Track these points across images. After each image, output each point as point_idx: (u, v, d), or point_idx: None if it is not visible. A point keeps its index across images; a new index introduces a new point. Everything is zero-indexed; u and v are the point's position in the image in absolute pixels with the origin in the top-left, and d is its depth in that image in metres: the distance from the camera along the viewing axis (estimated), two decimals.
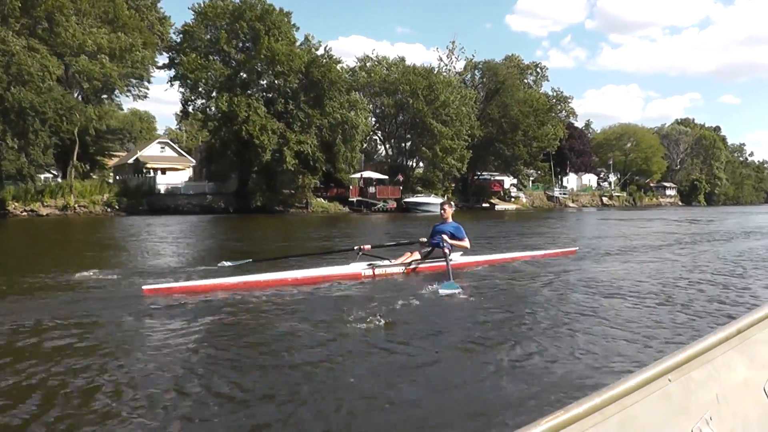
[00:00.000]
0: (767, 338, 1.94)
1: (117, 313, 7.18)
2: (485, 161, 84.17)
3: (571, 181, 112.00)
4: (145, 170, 69.82)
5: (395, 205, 62.35)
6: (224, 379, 4.78)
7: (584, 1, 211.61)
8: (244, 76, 55.80)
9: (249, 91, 55.47)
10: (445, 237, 10.69)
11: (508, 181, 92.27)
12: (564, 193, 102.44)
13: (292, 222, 41.36)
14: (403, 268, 10.52)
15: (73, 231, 31.95)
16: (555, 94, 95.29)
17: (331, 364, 5.20)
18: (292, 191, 58.56)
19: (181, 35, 56.91)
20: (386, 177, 69.53)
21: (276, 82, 55.71)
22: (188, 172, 72.01)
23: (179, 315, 7.13)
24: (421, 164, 75.64)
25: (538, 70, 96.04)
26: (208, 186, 60.21)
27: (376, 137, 77.11)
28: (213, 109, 54.22)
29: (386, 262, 10.56)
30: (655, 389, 1.59)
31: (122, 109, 70.49)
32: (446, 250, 10.37)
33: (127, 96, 56.33)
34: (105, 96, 56.43)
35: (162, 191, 60.30)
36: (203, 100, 56.48)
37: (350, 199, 63.84)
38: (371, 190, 65.54)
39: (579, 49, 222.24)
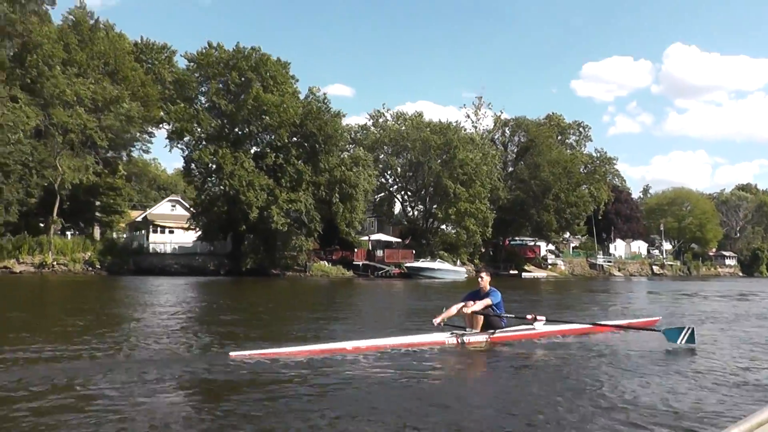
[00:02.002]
0: None
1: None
2: (519, 225, 78.52)
3: (618, 248, 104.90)
4: (152, 229, 67.41)
5: (400, 271, 56.92)
6: None
7: (649, 65, 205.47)
8: (234, 128, 52.23)
9: (237, 144, 51.53)
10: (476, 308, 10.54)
11: (546, 247, 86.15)
12: (609, 261, 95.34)
13: (276, 288, 36.97)
14: (486, 336, 10.39)
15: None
16: (599, 155, 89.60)
17: None
18: (294, 253, 54.12)
19: (172, 85, 53.85)
20: (399, 240, 64.71)
21: (265, 134, 51.84)
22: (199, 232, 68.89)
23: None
24: (444, 227, 70.30)
25: (581, 129, 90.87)
26: (200, 246, 56.44)
27: (397, 198, 72.41)
28: (197, 162, 50.45)
29: (467, 331, 10.49)
30: None
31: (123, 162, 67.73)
32: (529, 318, 10.81)
33: (104, 149, 52.92)
34: (89, 149, 53.47)
35: (154, 251, 57.25)
36: (189, 152, 52.87)
37: (355, 263, 59.05)
38: (379, 253, 60.66)
39: (645, 114, 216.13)
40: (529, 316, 10.82)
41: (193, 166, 51.78)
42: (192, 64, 53.43)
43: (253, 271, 51.91)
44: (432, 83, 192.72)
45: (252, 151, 52.49)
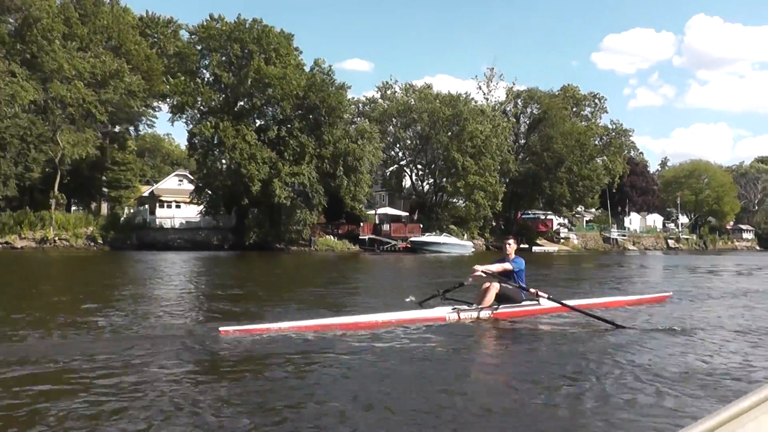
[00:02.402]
0: None
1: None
2: (531, 198, 77.25)
3: (633, 221, 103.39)
4: (158, 204, 67.08)
5: (406, 245, 56.01)
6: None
7: (672, 37, 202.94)
8: (236, 101, 51.32)
9: (239, 117, 50.59)
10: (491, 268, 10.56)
11: (558, 220, 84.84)
12: (623, 235, 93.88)
13: (276, 263, 36.46)
14: (489, 312, 10.21)
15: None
16: (614, 126, 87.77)
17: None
18: (298, 227, 53.39)
19: (174, 58, 52.95)
20: (407, 214, 63.80)
21: (268, 107, 50.89)
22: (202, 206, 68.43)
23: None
24: (453, 200, 69.09)
25: (596, 101, 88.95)
26: (204, 221, 55.88)
27: (406, 171, 71.30)
28: (199, 136, 49.64)
29: (469, 306, 10.33)
30: None
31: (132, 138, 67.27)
32: (533, 293, 10.57)
33: (103, 122, 52.19)
34: (96, 123, 52.87)
35: (160, 225, 56.84)
36: (192, 126, 52.07)
37: (361, 237, 58.27)
38: (386, 227, 59.79)
39: (667, 86, 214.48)
40: (531, 290, 10.58)
41: (195, 139, 50.93)
42: (194, 36, 52.49)
43: (257, 245, 51.33)
44: (451, 57, 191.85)
45: (255, 125, 51.47)
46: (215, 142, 48.68)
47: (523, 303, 10.59)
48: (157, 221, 58.44)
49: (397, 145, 68.40)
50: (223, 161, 47.80)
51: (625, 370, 6.59)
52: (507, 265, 10.59)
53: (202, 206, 54.37)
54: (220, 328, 8.34)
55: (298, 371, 6.50)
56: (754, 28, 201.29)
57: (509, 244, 11.03)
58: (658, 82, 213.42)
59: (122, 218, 56.12)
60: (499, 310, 10.25)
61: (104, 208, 66.91)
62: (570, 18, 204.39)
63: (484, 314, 10.12)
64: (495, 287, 10.33)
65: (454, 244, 56.49)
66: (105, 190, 64.58)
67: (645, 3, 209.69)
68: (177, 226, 57.47)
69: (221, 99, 51.28)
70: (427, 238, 56.29)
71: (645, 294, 14.60)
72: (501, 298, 10.38)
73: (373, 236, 58.63)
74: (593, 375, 6.43)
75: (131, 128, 66.37)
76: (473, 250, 58.66)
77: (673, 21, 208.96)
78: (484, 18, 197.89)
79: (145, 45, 59.43)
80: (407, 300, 10.80)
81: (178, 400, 5.32)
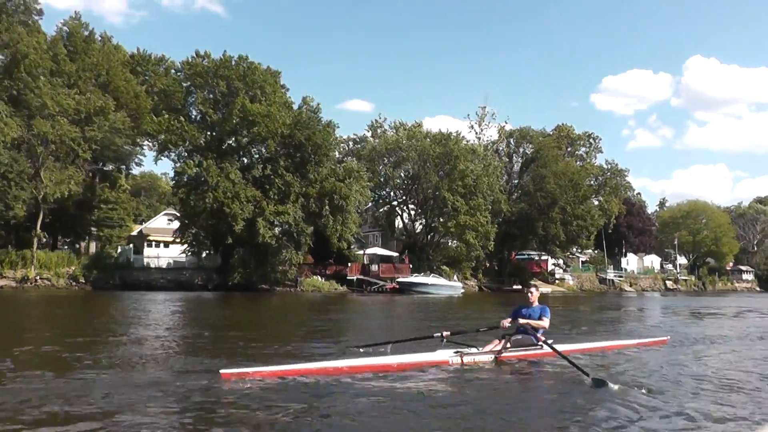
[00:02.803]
0: None
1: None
2: (525, 239, 76.23)
3: (631, 262, 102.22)
4: (146, 243, 66.45)
5: (393, 286, 54.93)
6: None
7: (669, 78, 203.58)
8: (220, 139, 50.77)
9: (224, 156, 49.96)
10: (531, 323, 10.58)
11: (552, 261, 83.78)
12: (620, 276, 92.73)
13: (263, 303, 35.85)
14: (492, 356, 10.15)
15: None
16: (610, 166, 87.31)
17: None
18: (284, 268, 52.46)
19: (158, 96, 52.57)
20: (396, 254, 62.88)
21: (253, 145, 50.31)
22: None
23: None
24: (444, 240, 68.18)
25: (591, 140, 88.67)
26: (189, 260, 55.01)
27: (397, 211, 70.45)
28: (182, 174, 48.97)
29: (474, 350, 10.28)
30: None
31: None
32: (541, 339, 10.35)
33: (87, 159, 51.59)
34: (79, 161, 52.34)
35: (148, 265, 55.98)
36: (176, 165, 51.49)
37: (349, 278, 57.27)
38: (374, 268, 58.81)
39: (665, 127, 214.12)
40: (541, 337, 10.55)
41: (178, 178, 50.26)
42: (179, 73, 52.15)
43: (241, 285, 50.33)
44: (451, 97, 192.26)
45: (240, 163, 50.77)
46: (199, 180, 47.87)
47: (526, 346, 10.63)
48: (145, 261, 57.56)
49: (388, 185, 67.58)
50: (207, 200, 46.86)
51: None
52: (544, 323, 10.79)
53: (185, 245, 53.40)
54: (221, 371, 8.25)
55: (300, 415, 6.56)
56: (750, 70, 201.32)
57: (532, 292, 11.17)
58: (657, 123, 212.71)
59: (113, 257, 55.21)
60: (502, 354, 10.27)
61: (93, 247, 66.21)
62: (569, 59, 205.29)
63: (487, 357, 10.15)
64: (509, 341, 10.55)
65: (443, 285, 55.44)
66: (93, 229, 63.97)
67: (642, 44, 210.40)
68: (164, 266, 56.56)
69: (206, 137, 50.67)
70: (416, 279, 55.24)
71: (644, 338, 14.68)
72: (513, 346, 10.54)
73: (362, 277, 57.62)
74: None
75: (123, 167, 65.87)
76: (463, 291, 57.59)
77: (670, 62, 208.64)
78: (484, 59, 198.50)
79: (135, 82, 59.23)
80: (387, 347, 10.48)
81: None
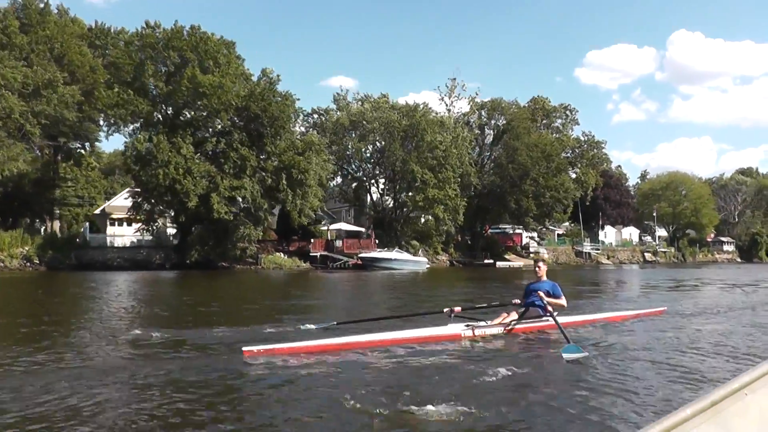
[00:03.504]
0: (742, 410, 2.01)
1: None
2: (497, 212, 74.97)
3: (609, 235, 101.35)
4: (109, 222, 64.77)
5: (356, 262, 53.54)
6: None
7: (654, 52, 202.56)
8: (171, 112, 49.08)
9: (176, 130, 48.18)
10: (541, 294, 10.54)
11: (527, 235, 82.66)
12: (597, 249, 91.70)
13: (216, 283, 33.76)
14: (502, 328, 10.29)
15: None
16: (586, 138, 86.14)
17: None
18: (245, 245, 51.09)
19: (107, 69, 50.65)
20: (362, 229, 61.60)
21: (207, 118, 48.62)
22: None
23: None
24: (414, 215, 66.84)
25: (567, 112, 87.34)
26: (147, 239, 53.52)
27: (366, 185, 68.97)
28: (133, 150, 47.28)
29: (483, 323, 10.35)
30: None
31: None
32: (549, 310, 10.35)
33: (34, 134, 49.63)
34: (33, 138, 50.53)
35: (111, 244, 54.46)
36: (127, 140, 49.80)
37: (312, 254, 55.92)
38: (338, 244, 57.47)
39: (649, 101, 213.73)
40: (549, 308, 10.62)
41: (128, 154, 48.57)
42: (130, 45, 50.25)
43: (200, 264, 48.88)
44: (436, 73, 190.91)
45: (193, 137, 48.94)
46: (151, 155, 46.21)
47: (535, 318, 10.74)
48: (108, 240, 56.02)
49: (356, 159, 66.05)
50: (159, 177, 45.18)
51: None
52: (563, 302, 10.88)
53: (140, 224, 51.87)
54: (243, 348, 8.34)
55: (324, 388, 6.62)
56: (734, 43, 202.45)
57: (540, 266, 11.26)
58: (641, 97, 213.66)
59: (67, 237, 53.66)
60: (511, 326, 10.37)
61: (55, 226, 64.57)
62: (553, 34, 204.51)
63: (497, 330, 10.26)
64: (513, 316, 10.61)
65: (407, 261, 54.10)
66: (56, 208, 62.29)
67: (626, 19, 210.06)
68: (126, 245, 55.03)
69: (158, 111, 48.84)
70: (378, 254, 53.85)
71: (643, 309, 14.79)
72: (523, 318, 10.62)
73: (325, 253, 56.25)
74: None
75: (87, 144, 64.09)
76: (428, 266, 56.24)
77: (654, 36, 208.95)
78: (468, 34, 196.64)
79: (91, 56, 57.26)
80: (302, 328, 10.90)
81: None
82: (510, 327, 10.32)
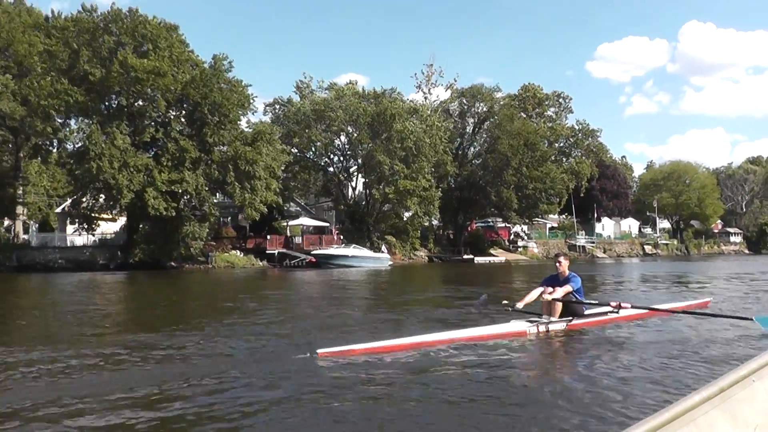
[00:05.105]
0: (749, 396, 2.05)
1: None
2: (480, 205, 71.12)
3: (607, 227, 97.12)
4: (69, 221, 61.84)
5: (312, 260, 49.85)
6: None
7: (665, 44, 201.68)
8: (105, 100, 45.78)
9: (110, 119, 44.68)
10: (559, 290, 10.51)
11: (514, 228, 78.74)
12: (591, 241, 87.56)
13: (147, 287, 30.79)
14: (565, 324, 10.27)
15: None
16: (581, 127, 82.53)
17: None
18: (193, 242, 47.87)
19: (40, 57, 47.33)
20: (327, 225, 58.10)
21: (141, 107, 45.22)
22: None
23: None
24: (385, 208, 62.96)
25: (560, 100, 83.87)
26: (90, 238, 50.37)
27: (336, 178, 65.12)
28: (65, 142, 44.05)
29: (545, 318, 10.33)
30: None
31: None
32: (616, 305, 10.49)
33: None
34: None
35: (72, 244, 51.40)
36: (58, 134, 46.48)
37: (269, 251, 52.46)
38: (297, 240, 53.96)
39: (662, 93, 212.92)
40: (613, 304, 10.57)
41: (59, 148, 45.35)
42: (65, 31, 46.97)
43: (147, 264, 45.69)
44: (446, 69, 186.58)
45: (129, 127, 45.42)
46: (82, 148, 42.93)
47: (595, 312, 10.82)
48: (69, 240, 52.91)
49: (323, 150, 62.25)
50: (93, 171, 41.80)
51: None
52: (568, 288, 10.59)
53: (75, 224, 48.69)
54: (318, 351, 8.18)
55: (400, 387, 6.64)
56: (746, 33, 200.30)
57: (560, 263, 11.03)
58: (653, 89, 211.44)
59: (8, 237, 50.61)
60: (573, 321, 10.38)
61: (18, 226, 61.74)
62: (563, 27, 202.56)
63: (560, 326, 10.21)
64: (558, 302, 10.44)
65: (366, 258, 50.27)
66: (20, 207, 59.41)
67: (637, 11, 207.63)
68: (69, 245, 51.87)
69: (92, 100, 45.36)
70: (333, 250, 50.06)
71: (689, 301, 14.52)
72: (566, 312, 10.44)
73: (284, 250, 52.75)
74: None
75: (54, 139, 61.15)
76: (390, 263, 52.45)
77: (666, 28, 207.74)
78: (477, 30, 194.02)
79: (41, 46, 54.22)
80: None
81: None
82: (571, 323, 10.33)
